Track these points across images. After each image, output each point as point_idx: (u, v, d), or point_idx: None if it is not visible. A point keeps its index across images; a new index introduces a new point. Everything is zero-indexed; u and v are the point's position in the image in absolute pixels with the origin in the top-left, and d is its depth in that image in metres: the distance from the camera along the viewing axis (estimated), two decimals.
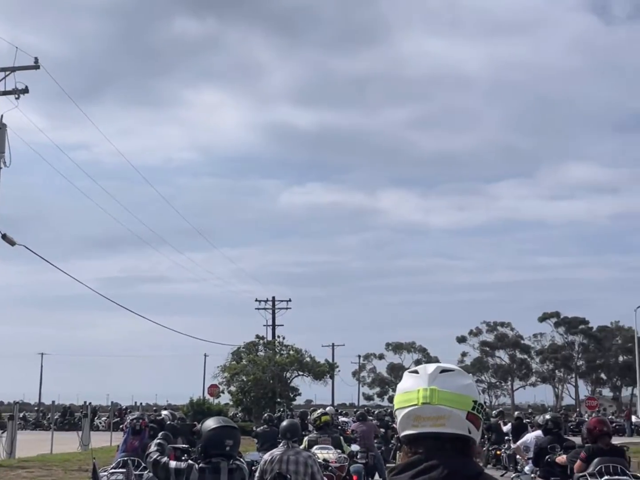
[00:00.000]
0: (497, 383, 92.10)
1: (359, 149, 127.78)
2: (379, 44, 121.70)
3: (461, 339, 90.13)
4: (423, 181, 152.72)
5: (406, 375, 2.60)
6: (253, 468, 9.93)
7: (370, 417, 21.86)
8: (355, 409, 49.58)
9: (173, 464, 6.28)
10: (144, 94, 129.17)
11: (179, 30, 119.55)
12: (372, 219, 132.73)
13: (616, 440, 12.02)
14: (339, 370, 68.06)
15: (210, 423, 6.16)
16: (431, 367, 2.56)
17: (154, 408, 54.07)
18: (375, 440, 18.95)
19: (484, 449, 24.41)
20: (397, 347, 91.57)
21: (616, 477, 9.23)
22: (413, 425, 2.48)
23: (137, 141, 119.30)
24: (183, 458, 7.61)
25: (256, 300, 59.81)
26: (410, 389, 2.52)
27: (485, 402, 2.61)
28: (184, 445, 9.75)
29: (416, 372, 2.57)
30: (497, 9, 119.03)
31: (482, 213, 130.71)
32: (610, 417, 49.30)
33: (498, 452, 22.89)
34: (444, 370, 2.54)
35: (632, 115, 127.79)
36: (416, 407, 2.47)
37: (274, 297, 59.88)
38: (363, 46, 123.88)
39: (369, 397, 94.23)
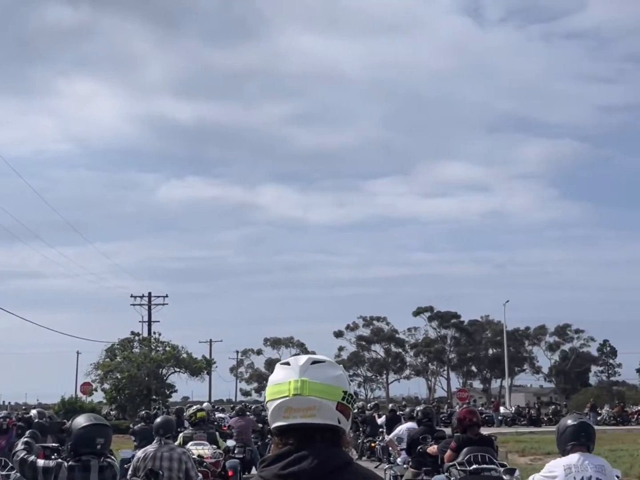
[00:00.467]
0: (373, 377, 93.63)
1: (238, 144, 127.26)
2: (258, 39, 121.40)
3: (338, 334, 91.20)
4: (302, 177, 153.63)
5: (278, 367, 2.61)
6: (125, 466, 9.76)
7: (248, 413, 21.84)
8: (232, 405, 49.49)
9: (41, 462, 6.10)
10: (15, 82, 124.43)
11: (52, 17, 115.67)
12: (252, 214, 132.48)
13: (485, 431, 12.40)
14: (217, 367, 67.83)
15: (81, 421, 6.02)
16: (302, 359, 2.57)
17: (24, 407, 52.24)
18: (253, 435, 18.99)
19: (359, 441, 24.80)
20: (275, 343, 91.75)
21: (484, 465, 9.51)
22: (284, 417, 2.49)
23: (7, 131, 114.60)
24: (53, 457, 7.39)
25: (131, 296, 58.84)
26: (282, 381, 2.52)
27: (355, 394, 2.63)
28: (53, 444, 9.47)
29: (287, 363, 2.58)
30: (374, 9, 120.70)
31: (360, 209, 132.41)
32: (480, 408, 50.91)
33: (373, 444, 23.27)
34: (315, 362, 2.56)
35: (501, 116, 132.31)
36: (287, 398, 2.48)
37: (150, 293, 58.99)
38: (242, 40, 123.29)
39: (246, 393, 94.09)
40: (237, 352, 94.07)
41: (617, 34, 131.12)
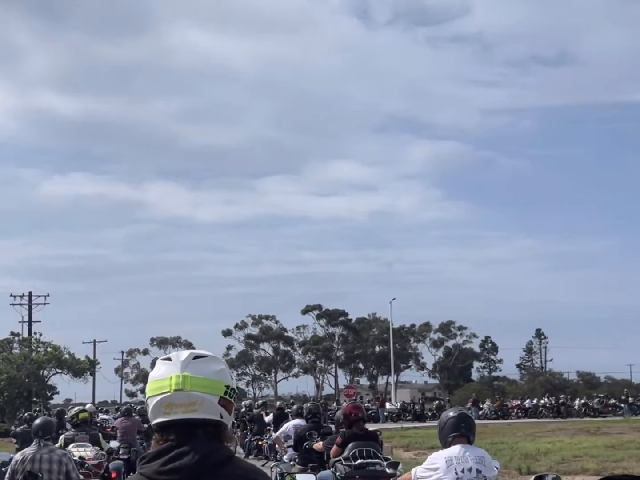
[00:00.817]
0: (262, 375, 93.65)
1: (125, 140, 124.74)
2: (146, 34, 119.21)
3: (227, 333, 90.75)
4: (191, 175, 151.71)
5: (159, 362, 2.56)
6: (4, 469, 9.44)
7: (134, 414, 21.47)
8: (117, 407, 48.53)
9: None
10: None
11: None
12: (139, 211, 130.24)
13: (371, 427, 12.59)
14: (101, 367, 66.54)
15: None
16: (184, 354, 2.54)
17: None
18: (138, 436, 18.72)
19: (246, 440, 24.74)
20: (162, 342, 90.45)
21: (369, 460, 9.64)
22: (165, 413, 2.45)
23: None
24: None
25: (11, 295, 57.17)
26: (163, 377, 2.48)
27: (239, 388, 2.61)
28: None
29: (169, 359, 2.54)
30: (264, 7, 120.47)
31: (250, 208, 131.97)
32: (366, 404, 51.64)
33: (260, 443, 23.24)
34: (197, 357, 2.53)
35: (389, 117, 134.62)
36: (168, 394, 2.44)
37: (30, 292, 57.45)
38: (130, 34, 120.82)
39: (132, 394, 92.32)
40: (123, 352, 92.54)
41: (499, 39, 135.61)
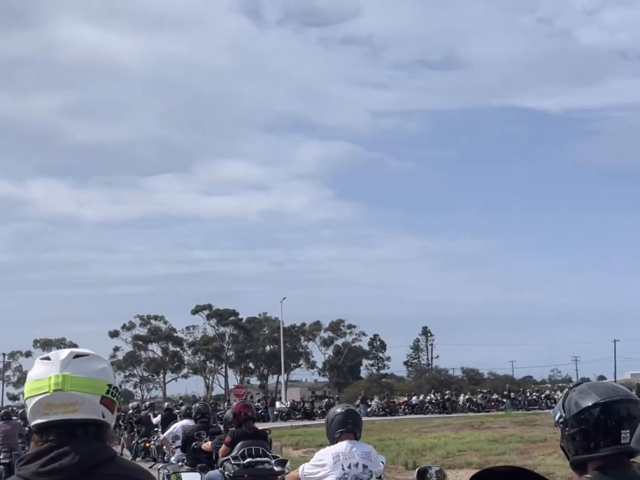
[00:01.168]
0: (150, 376, 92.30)
1: (7, 135, 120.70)
2: (32, 27, 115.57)
3: (114, 334, 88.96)
4: (76, 172, 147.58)
5: (37, 362, 2.50)
6: None
7: (15, 417, 20.82)
8: None
9: None
10: None
11: None
12: (22, 209, 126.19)
13: (262, 426, 12.61)
14: None
15: None
16: (64, 353, 2.48)
17: None
18: (20, 440, 18.20)
19: (134, 442, 24.35)
20: (46, 344, 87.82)
21: (257, 459, 9.65)
22: (44, 414, 2.40)
23: None
24: None
25: None
26: (42, 377, 2.42)
27: (119, 388, 2.59)
28: None
29: (48, 358, 2.48)
30: (154, 4, 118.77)
31: (137, 206, 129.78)
32: (256, 404, 51.64)
33: (147, 445, 22.93)
34: (77, 355, 2.48)
35: (280, 116, 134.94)
36: (47, 394, 2.39)
37: None
38: (14, 27, 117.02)
39: (14, 397, 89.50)
40: (4, 354, 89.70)
41: (388, 42, 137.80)
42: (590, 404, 2.81)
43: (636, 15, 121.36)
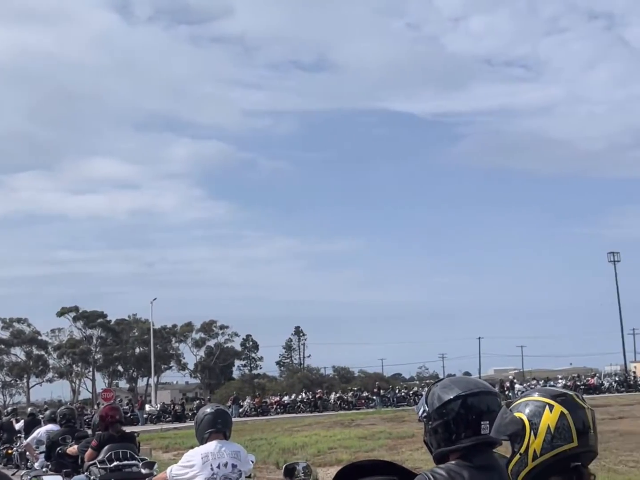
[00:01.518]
0: (12, 381, 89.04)
1: None
2: None
3: None
4: None
5: None
6: None
7: None
8: None
9: None
10: None
11: None
12: None
13: (130, 429, 12.35)
14: None
15: None
16: None
17: None
18: None
19: None
20: None
21: (125, 462, 9.45)
22: None
23: None
24: None
25: None
26: None
27: None
28: None
29: None
30: None
31: (0, 205, 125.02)
32: (125, 407, 50.60)
33: (9, 451, 22.12)
34: None
35: (150, 115, 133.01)
36: None
37: None
38: None
39: None
40: None
41: (261, 42, 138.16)
42: (451, 397, 2.88)
43: (500, 22, 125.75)
